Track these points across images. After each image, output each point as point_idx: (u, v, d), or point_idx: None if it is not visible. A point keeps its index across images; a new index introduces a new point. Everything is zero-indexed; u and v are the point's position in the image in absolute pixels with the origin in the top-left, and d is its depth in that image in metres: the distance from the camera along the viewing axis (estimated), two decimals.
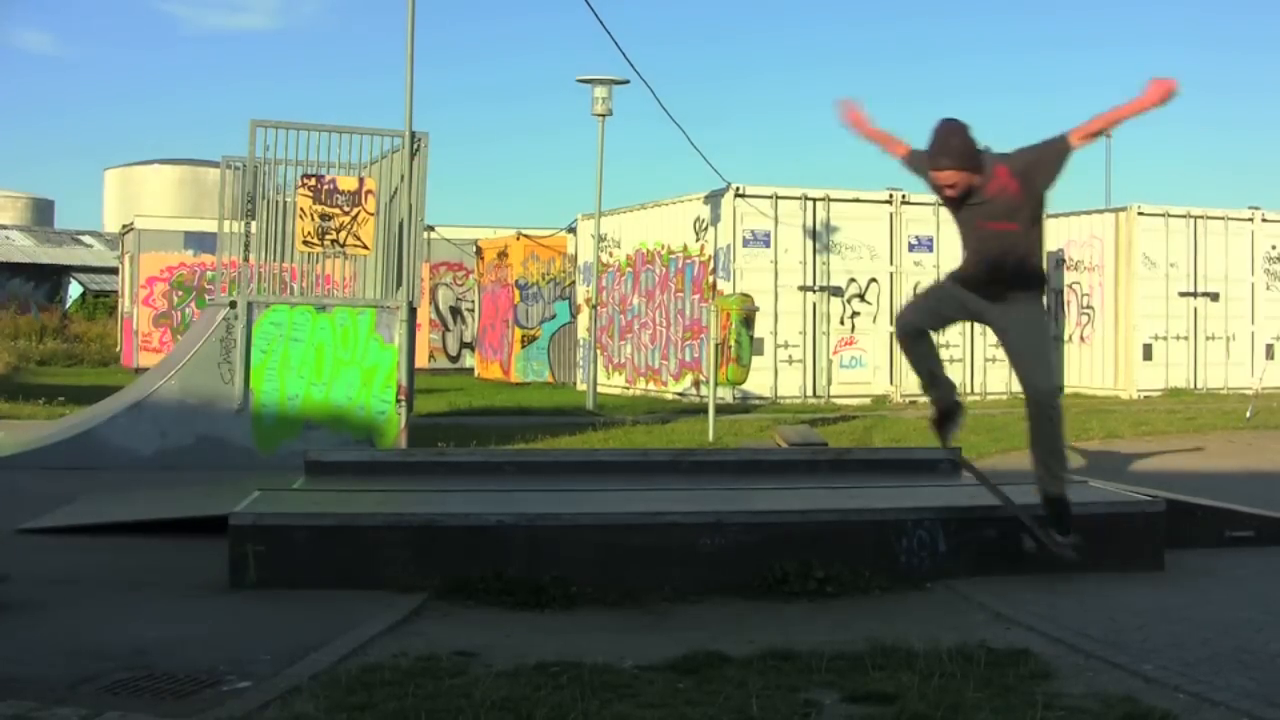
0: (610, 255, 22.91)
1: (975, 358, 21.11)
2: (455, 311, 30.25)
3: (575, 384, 23.66)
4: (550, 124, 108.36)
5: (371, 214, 11.94)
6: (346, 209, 11.87)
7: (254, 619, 5.65)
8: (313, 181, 11.85)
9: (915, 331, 6.67)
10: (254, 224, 12.17)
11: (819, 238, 20.31)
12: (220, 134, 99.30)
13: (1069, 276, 23.24)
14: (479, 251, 27.67)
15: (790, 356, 20.05)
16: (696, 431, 13.98)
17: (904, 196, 20.78)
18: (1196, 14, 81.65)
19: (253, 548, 6.15)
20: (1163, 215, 22.32)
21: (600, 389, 20.01)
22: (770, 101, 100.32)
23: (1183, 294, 22.31)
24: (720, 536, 6.39)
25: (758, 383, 18.52)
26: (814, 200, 20.31)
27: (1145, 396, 21.45)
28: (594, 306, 20.89)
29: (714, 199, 20.28)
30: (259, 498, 6.85)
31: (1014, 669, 4.75)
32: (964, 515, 6.73)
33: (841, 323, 20.45)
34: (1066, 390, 22.61)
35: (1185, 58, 79.57)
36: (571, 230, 25.55)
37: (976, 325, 22.22)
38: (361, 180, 12.04)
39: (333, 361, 11.71)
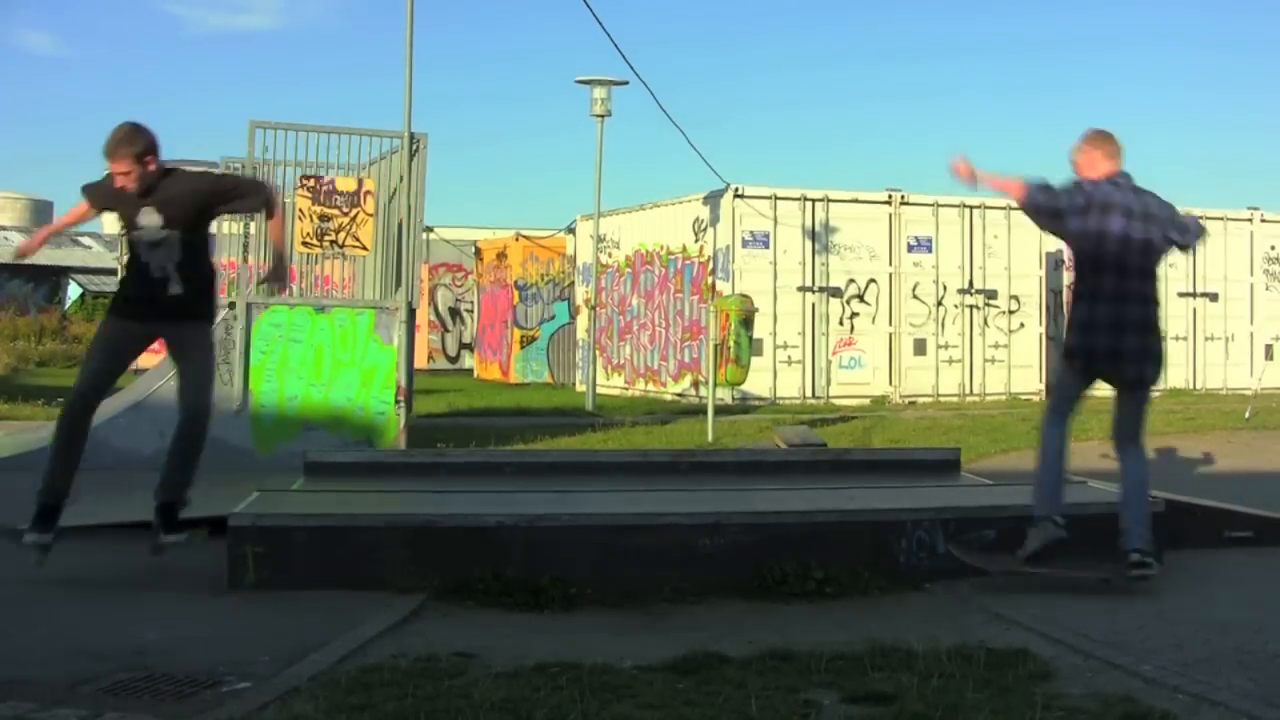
0: (609, 256, 22.91)
1: (975, 358, 21.12)
2: (454, 312, 30.25)
3: (574, 385, 23.66)
4: (549, 125, 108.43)
5: (370, 215, 11.93)
6: (345, 210, 11.87)
7: (253, 620, 5.65)
8: (311, 182, 11.85)
9: None
10: (253, 225, 12.16)
11: (818, 238, 20.31)
12: (220, 135, 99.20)
13: (1068, 277, 23.21)
14: (478, 252, 27.68)
15: (789, 357, 20.05)
16: (696, 432, 13.99)
17: (903, 197, 20.80)
18: (1197, 14, 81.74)
19: (252, 548, 6.15)
20: None
21: (599, 390, 20.01)
22: (769, 102, 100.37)
23: (1182, 294, 22.31)
24: (719, 537, 6.39)
25: (757, 383, 18.52)
26: (813, 201, 20.31)
27: None
28: (593, 307, 20.90)
29: (713, 200, 20.28)
30: (258, 499, 6.85)
31: (1013, 669, 4.75)
32: (963, 516, 6.73)
33: (840, 323, 20.45)
34: None
35: (1186, 58, 79.70)
36: (570, 231, 25.55)
37: (975, 325, 22.14)
38: (360, 181, 12.04)
39: (332, 362, 11.70)
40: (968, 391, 21.00)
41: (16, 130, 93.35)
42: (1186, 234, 6.50)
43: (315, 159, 11.98)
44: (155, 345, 6.80)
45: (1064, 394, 6.63)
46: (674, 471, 8.74)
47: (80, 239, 43.58)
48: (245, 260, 12.31)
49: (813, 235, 20.25)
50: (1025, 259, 21.39)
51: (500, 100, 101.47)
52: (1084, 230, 6.23)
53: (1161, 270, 6.49)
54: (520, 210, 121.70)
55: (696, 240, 20.70)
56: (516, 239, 26.35)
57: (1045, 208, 6.32)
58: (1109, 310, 6.20)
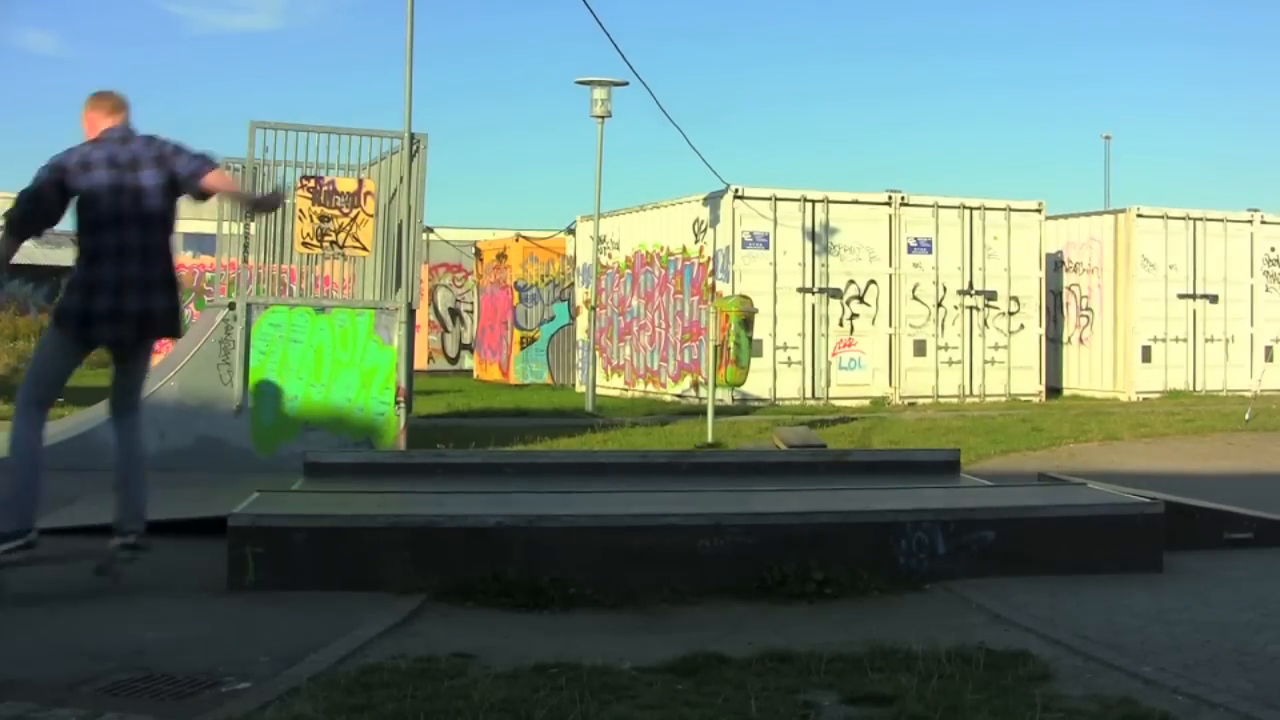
0: (609, 257, 22.92)
1: (975, 359, 21.13)
2: (454, 313, 30.26)
3: (574, 386, 23.67)
4: (549, 125, 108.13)
5: (370, 215, 11.93)
6: (345, 210, 11.87)
7: (253, 620, 5.65)
8: (312, 183, 11.84)
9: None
10: (253, 225, 12.16)
11: (818, 239, 20.32)
12: (220, 135, 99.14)
13: (1068, 278, 23.26)
14: (478, 253, 27.69)
15: (789, 358, 20.06)
16: (695, 433, 13.99)
17: (903, 198, 20.81)
18: (1197, 12, 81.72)
19: (252, 549, 6.15)
20: (1162, 217, 22.35)
21: (599, 391, 20.02)
22: (769, 102, 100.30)
23: (1182, 296, 22.34)
24: (719, 538, 6.39)
25: (757, 384, 18.53)
26: (813, 202, 20.33)
27: (1144, 398, 21.47)
28: (593, 308, 20.90)
29: (713, 201, 20.29)
30: (258, 499, 6.85)
31: (1012, 671, 4.75)
32: (963, 517, 6.73)
33: (840, 324, 20.47)
34: (1066, 392, 22.65)
35: (1186, 56, 79.66)
36: (570, 232, 25.57)
37: (975, 326, 22.19)
38: (360, 181, 12.04)
39: (331, 363, 11.71)
40: (967, 393, 21.01)
41: (16, 130, 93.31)
42: (190, 162, 6.08)
43: (315, 159, 11.97)
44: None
45: (54, 375, 6.05)
46: (674, 472, 8.74)
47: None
48: (245, 261, 12.31)
49: (813, 236, 20.26)
50: (1025, 260, 21.40)
51: (500, 100, 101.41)
52: (78, 194, 5.78)
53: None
54: (520, 211, 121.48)
55: (696, 241, 20.71)
56: (516, 240, 26.36)
57: (27, 214, 5.73)
58: (108, 271, 5.76)
